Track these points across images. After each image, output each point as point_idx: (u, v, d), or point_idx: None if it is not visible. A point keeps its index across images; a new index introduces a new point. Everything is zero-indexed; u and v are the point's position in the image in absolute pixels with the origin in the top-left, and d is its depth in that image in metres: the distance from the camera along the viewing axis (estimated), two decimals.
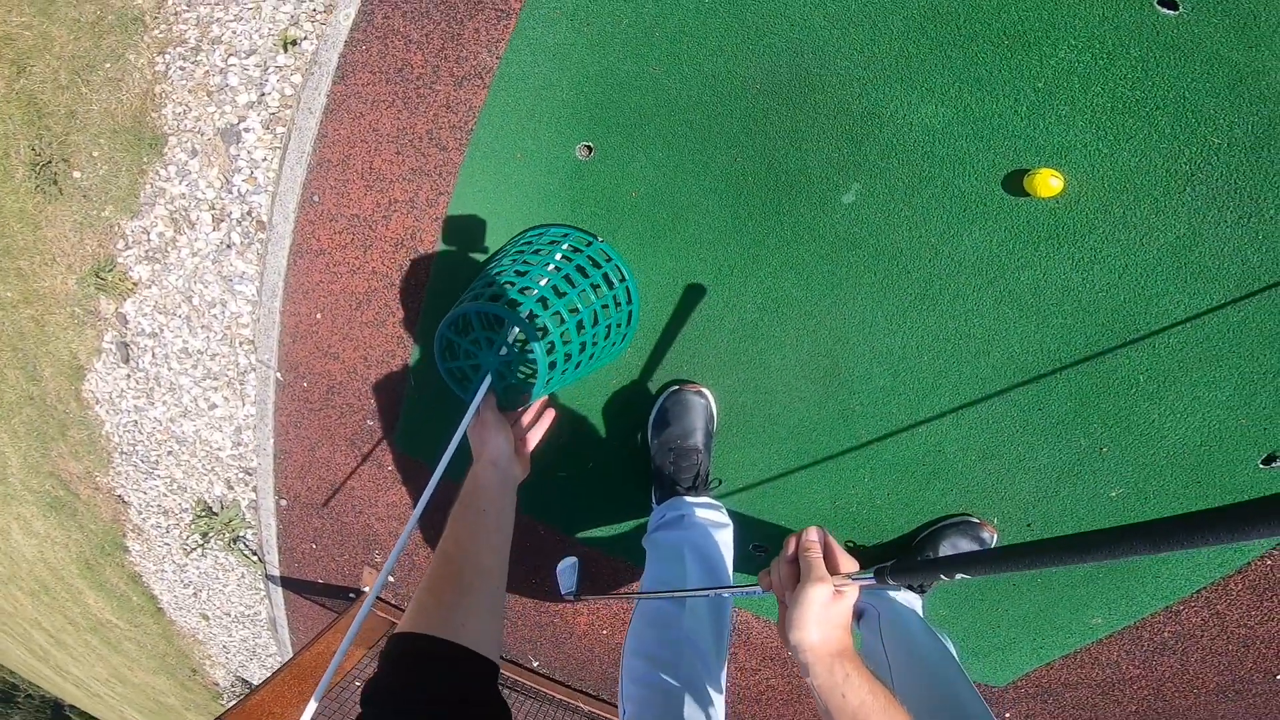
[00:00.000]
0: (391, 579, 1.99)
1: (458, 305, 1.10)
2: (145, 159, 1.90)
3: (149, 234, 1.94)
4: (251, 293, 1.84)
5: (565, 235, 1.34)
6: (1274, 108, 1.02)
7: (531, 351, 1.02)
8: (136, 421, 2.34)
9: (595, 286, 1.26)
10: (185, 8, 1.93)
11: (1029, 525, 1.38)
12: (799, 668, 0.73)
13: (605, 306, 1.26)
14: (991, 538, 1.39)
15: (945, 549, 1.38)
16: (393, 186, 1.48)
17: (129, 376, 2.23)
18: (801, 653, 0.72)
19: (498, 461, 0.92)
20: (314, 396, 1.79)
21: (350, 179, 1.52)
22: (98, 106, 1.99)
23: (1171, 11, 1.03)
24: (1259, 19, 0.99)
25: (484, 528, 0.82)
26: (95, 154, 2.01)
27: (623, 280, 1.33)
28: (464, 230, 1.45)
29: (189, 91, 1.86)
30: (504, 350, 1.04)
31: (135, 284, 2.02)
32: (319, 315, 1.66)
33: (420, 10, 1.53)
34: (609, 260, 1.32)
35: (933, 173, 1.19)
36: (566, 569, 1.54)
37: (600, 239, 1.36)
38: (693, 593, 1.08)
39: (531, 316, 1.10)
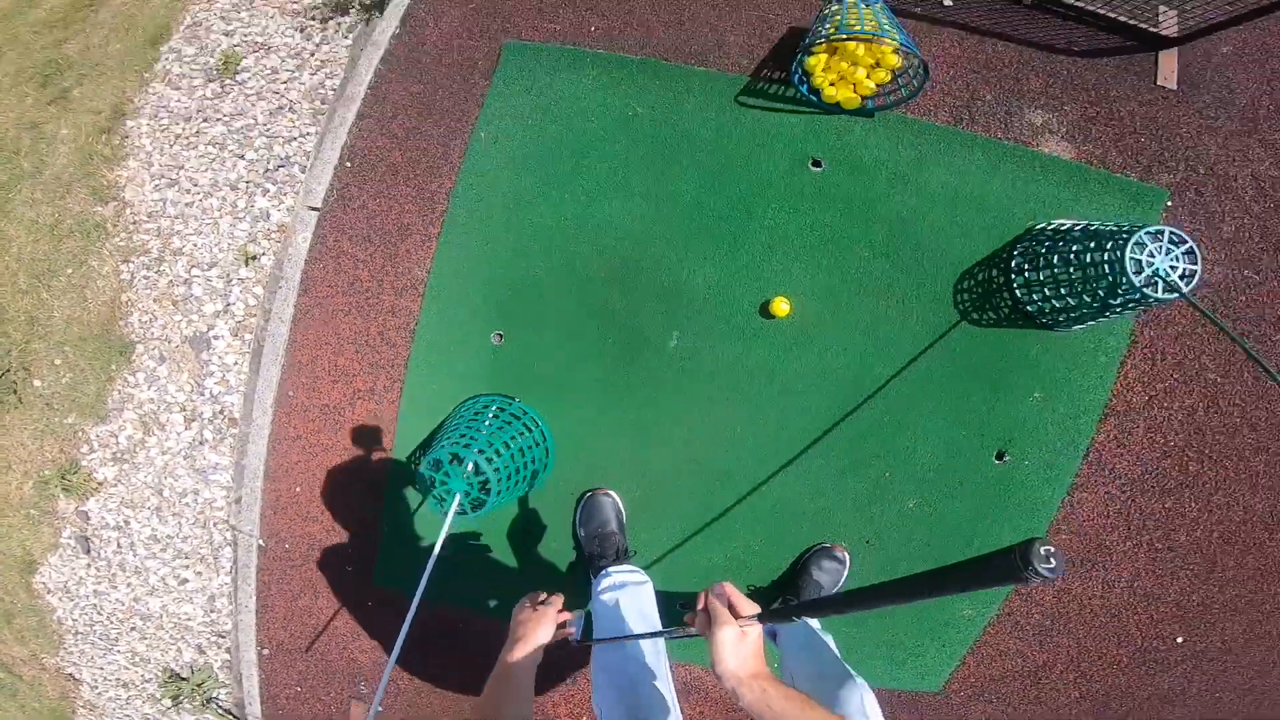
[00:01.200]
0: (380, 709, 2.20)
1: (430, 452, 1.56)
2: (114, 366, 2.09)
3: (117, 437, 2.10)
4: (226, 480, 2.06)
5: (493, 400, 1.84)
6: (891, 226, 1.80)
7: (486, 479, 1.48)
8: (96, 605, 2.36)
9: (520, 433, 1.75)
10: (145, 218, 2.22)
11: (866, 541, 1.92)
12: (730, 695, 0.89)
13: (531, 446, 1.74)
14: (843, 555, 1.89)
15: (814, 571, 1.86)
16: (355, 379, 1.90)
17: (89, 566, 2.27)
18: (727, 680, 0.88)
19: (535, 652, 1.14)
20: (295, 555, 2.07)
21: (319, 375, 1.92)
22: (60, 313, 2.14)
23: (818, 169, 1.75)
24: (870, 166, 1.79)
25: (517, 698, 1.07)
26: (58, 362, 2.14)
27: (538, 426, 1.84)
28: (416, 407, 1.89)
29: (154, 301, 2.12)
30: (466, 476, 1.50)
31: (100, 484, 2.14)
32: (298, 488, 1.99)
33: (363, 235, 2.03)
34: (525, 414, 1.83)
35: (718, 314, 1.86)
36: (579, 619, 1.89)
37: (517, 399, 1.87)
38: (641, 636, 1.38)
39: (481, 453, 1.57)
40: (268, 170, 2.23)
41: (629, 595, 1.61)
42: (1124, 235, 1.55)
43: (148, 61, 2.45)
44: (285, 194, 2.21)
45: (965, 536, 1.90)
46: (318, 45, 2.39)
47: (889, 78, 1.86)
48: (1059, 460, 1.86)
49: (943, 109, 1.94)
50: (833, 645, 1.56)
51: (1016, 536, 1.83)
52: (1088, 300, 1.64)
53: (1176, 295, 1.49)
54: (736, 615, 0.91)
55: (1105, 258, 1.56)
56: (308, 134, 2.25)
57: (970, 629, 1.95)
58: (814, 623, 1.62)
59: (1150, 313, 1.89)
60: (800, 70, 1.88)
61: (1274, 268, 1.94)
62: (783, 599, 1.88)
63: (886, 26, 1.78)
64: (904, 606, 0.87)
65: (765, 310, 1.82)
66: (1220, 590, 1.94)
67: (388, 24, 2.27)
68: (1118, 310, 1.65)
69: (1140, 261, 1.52)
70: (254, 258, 2.10)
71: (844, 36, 1.70)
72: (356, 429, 1.93)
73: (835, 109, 1.91)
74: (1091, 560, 1.95)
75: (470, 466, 1.52)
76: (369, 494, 1.96)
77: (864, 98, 1.88)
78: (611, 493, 1.87)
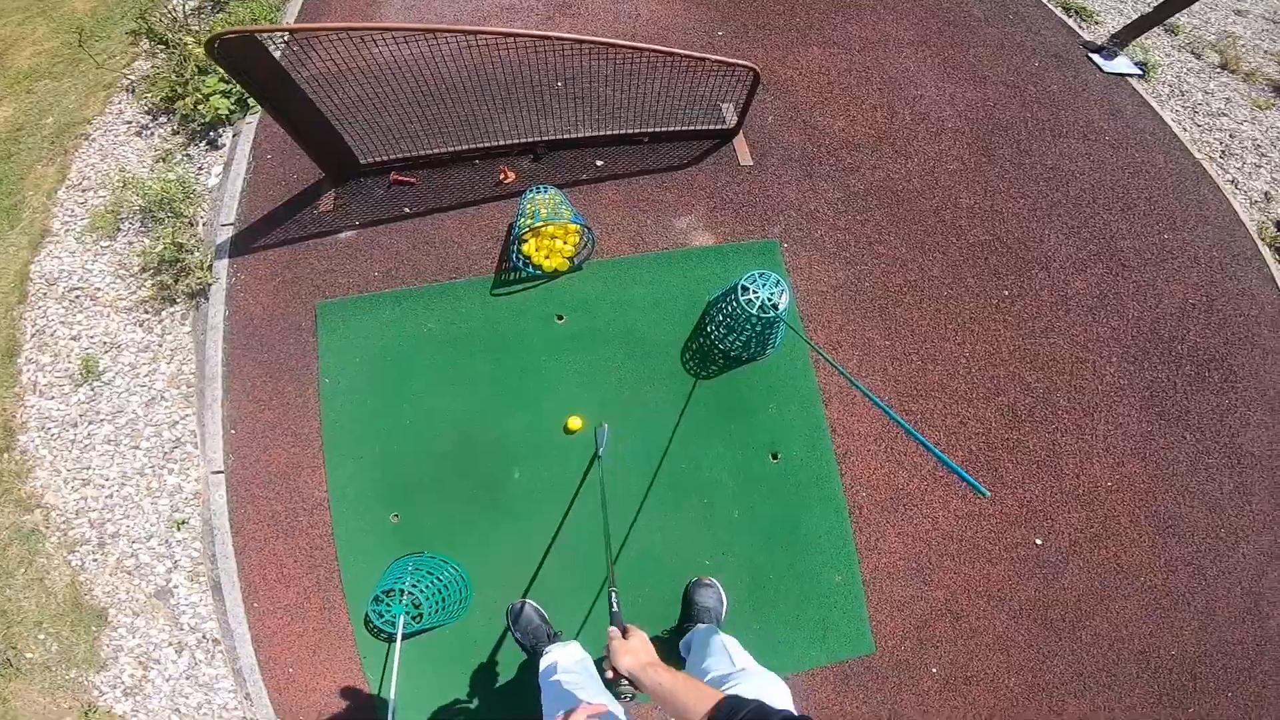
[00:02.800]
0: None
1: (370, 600, 2.17)
2: (94, 629, 2.28)
3: (121, 678, 2.26)
4: (230, 685, 2.29)
5: (408, 559, 2.37)
6: (625, 339, 2.55)
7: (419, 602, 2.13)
8: None
9: (429, 570, 2.27)
10: (74, 515, 2.42)
11: (724, 553, 2.44)
12: (638, 684, 1.13)
13: (448, 577, 2.28)
14: (711, 580, 2.36)
15: (699, 599, 2.28)
16: (302, 580, 2.34)
17: None
18: (630, 673, 1.14)
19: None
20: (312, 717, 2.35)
21: (273, 587, 2.35)
22: (29, 604, 2.30)
23: (562, 321, 2.55)
24: (594, 304, 2.55)
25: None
26: (42, 636, 2.26)
27: (448, 564, 2.36)
28: (357, 583, 2.33)
29: (110, 575, 2.35)
30: (403, 603, 2.12)
31: (121, 716, 2.26)
32: (291, 669, 2.31)
33: (265, 480, 2.46)
34: (435, 558, 2.36)
35: (537, 444, 2.51)
36: (602, 433, 2.38)
37: (425, 551, 2.40)
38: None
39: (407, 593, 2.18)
40: (166, 454, 2.52)
41: (565, 660, 1.96)
42: (737, 286, 2.40)
43: (12, 375, 2.64)
44: (189, 468, 2.50)
45: (788, 519, 2.51)
46: (161, 336, 2.69)
47: (579, 239, 2.70)
48: (816, 443, 2.60)
49: (624, 243, 2.79)
50: (728, 646, 1.79)
51: (823, 508, 2.54)
52: (755, 331, 2.49)
53: (776, 315, 2.36)
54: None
55: (738, 304, 2.40)
56: (186, 415, 2.56)
57: (852, 590, 2.46)
58: (726, 640, 1.86)
59: (814, 317, 2.79)
60: (521, 256, 2.67)
61: (869, 258, 2.91)
62: (681, 627, 2.33)
63: (560, 204, 2.61)
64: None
65: (567, 429, 2.53)
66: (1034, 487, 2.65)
67: (216, 308, 2.69)
68: (774, 331, 2.53)
69: (753, 299, 2.35)
70: (183, 522, 2.43)
71: (538, 223, 2.50)
72: (318, 615, 2.33)
73: (555, 274, 2.72)
74: (901, 504, 2.55)
75: (405, 596, 2.13)
76: (349, 656, 2.31)
77: (569, 259, 2.70)
78: (526, 600, 2.37)
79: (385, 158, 2.81)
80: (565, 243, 2.66)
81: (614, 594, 1.43)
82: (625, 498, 2.50)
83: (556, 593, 2.40)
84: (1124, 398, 2.88)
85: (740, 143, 2.97)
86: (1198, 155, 3.46)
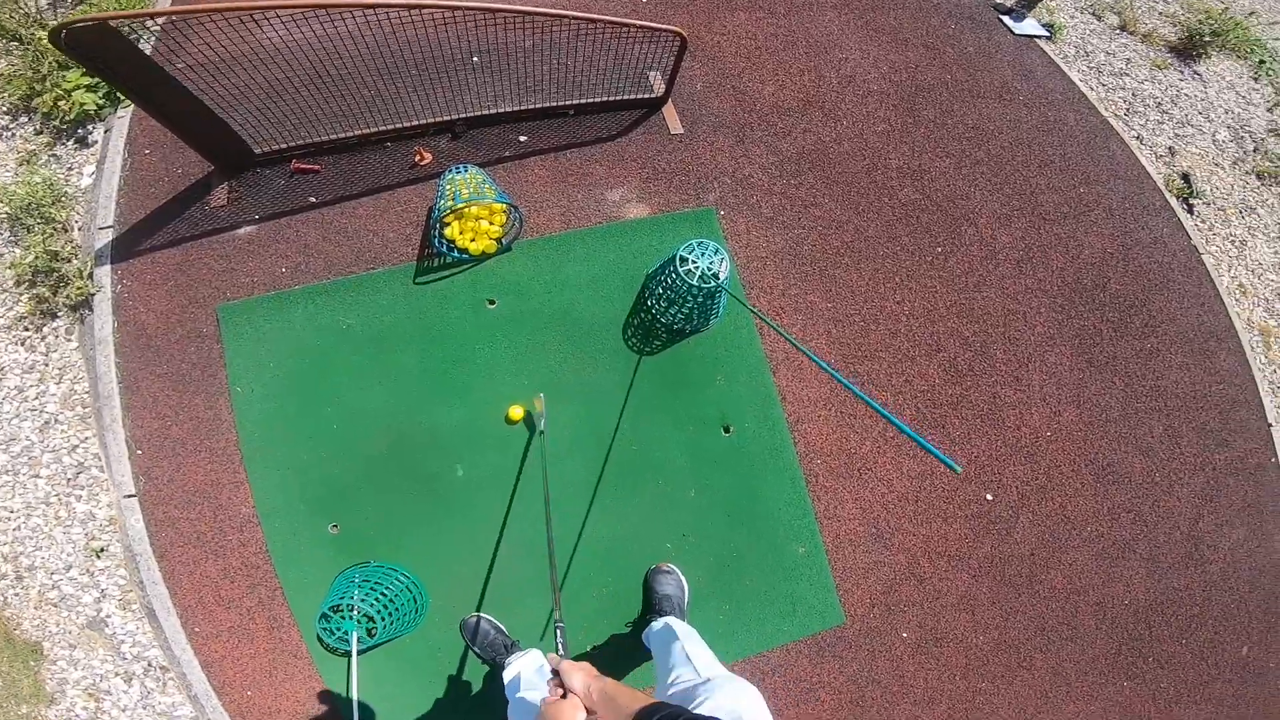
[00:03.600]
0: None
1: (317, 616, 2.03)
2: (33, 663, 2.14)
3: (74, 711, 2.13)
4: (189, 712, 2.16)
5: (354, 570, 2.22)
6: (561, 320, 2.46)
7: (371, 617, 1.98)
8: None
9: (378, 582, 2.13)
10: None
11: (684, 535, 2.37)
12: (585, 701, 1.14)
13: (398, 586, 2.14)
14: (670, 566, 2.29)
15: (660, 587, 2.21)
16: (242, 601, 2.18)
17: None
18: (575, 691, 1.16)
19: None
20: None
21: (212, 609, 2.17)
22: None
23: (493, 305, 2.40)
24: (527, 286, 2.42)
25: None
26: None
27: (396, 572, 2.21)
28: (303, 597, 2.18)
29: (36, 608, 2.18)
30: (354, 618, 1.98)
31: None
32: (249, 693, 2.16)
33: (184, 500, 2.27)
34: (382, 566, 2.21)
35: (478, 437, 2.37)
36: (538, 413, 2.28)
37: (371, 561, 2.24)
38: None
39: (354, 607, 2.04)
40: (70, 480, 2.33)
41: (527, 671, 1.93)
42: (675, 257, 2.31)
43: None
44: (98, 493, 2.31)
45: (745, 493, 2.45)
46: (47, 355, 2.45)
47: (505, 219, 2.53)
48: (767, 412, 2.54)
49: (554, 220, 2.65)
50: (690, 654, 1.73)
51: (779, 479, 2.48)
52: (696, 302, 2.40)
53: (718, 284, 2.27)
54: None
55: (677, 275, 2.30)
56: (87, 438, 2.35)
57: (816, 561, 2.42)
58: (689, 645, 1.84)
59: (755, 284, 2.73)
60: (444, 241, 2.49)
61: (806, 221, 2.87)
62: (644, 618, 2.26)
63: (483, 184, 2.44)
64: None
65: (508, 419, 2.37)
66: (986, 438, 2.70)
67: (103, 319, 2.43)
68: (716, 301, 2.44)
69: (693, 269, 2.27)
70: (102, 550, 2.25)
71: (460, 205, 2.32)
72: (266, 635, 2.17)
73: (483, 257, 2.55)
74: (855, 469, 2.54)
75: (354, 611, 2.00)
76: (309, 674, 2.17)
77: (497, 240, 2.54)
78: (479, 614, 2.24)
79: (283, 145, 2.56)
80: (491, 223, 2.49)
81: (560, 630, 1.37)
82: (575, 486, 2.39)
83: (514, 590, 2.29)
84: (1055, 346, 2.96)
85: (670, 111, 2.87)
86: (1104, 113, 3.59)
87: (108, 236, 2.53)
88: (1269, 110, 4.04)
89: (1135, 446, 2.90)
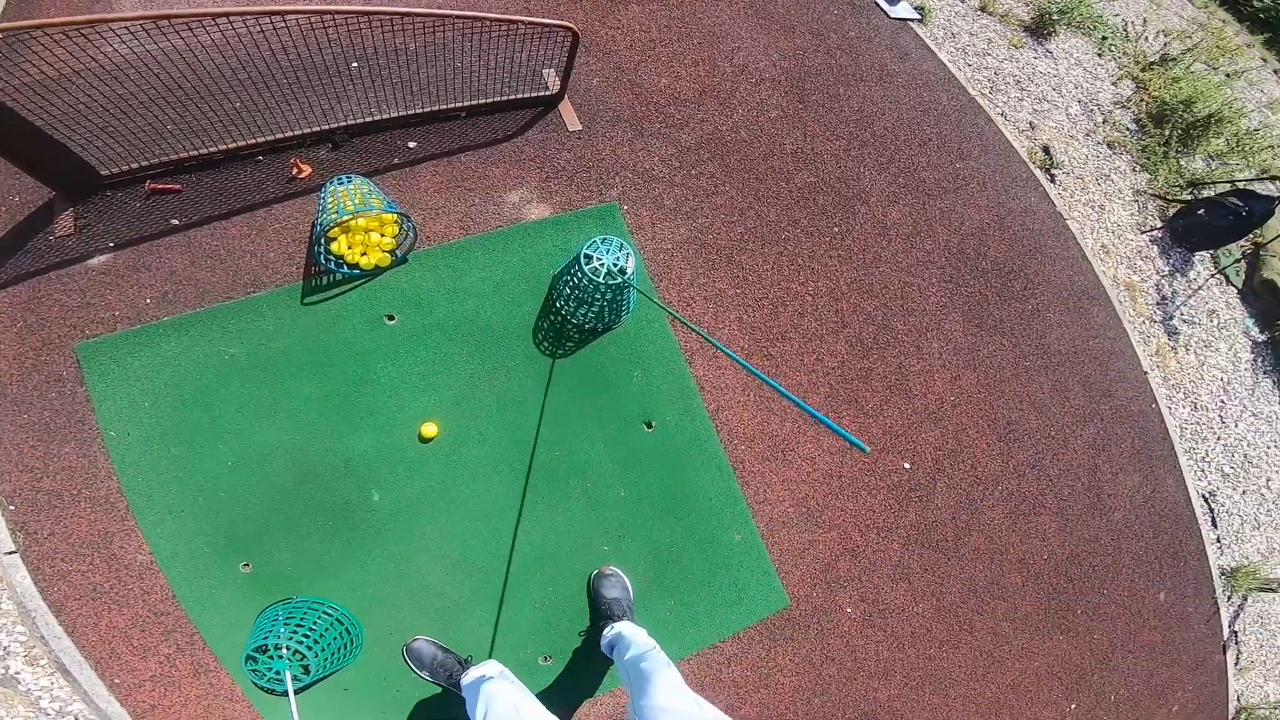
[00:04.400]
0: None
1: (242, 658, 1.90)
2: None
3: None
4: None
5: (275, 607, 2.06)
6: (467, 329, 2.39)
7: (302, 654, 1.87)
8: None
9: (304, 616, 1.99)
10: None
11: (619, 536, 2.33)
12: None
13: (327, 619, 2.01)
14: (612, 570, 2.26)
15: (606, 592, 2.19)
16: (159, 648, 2.01)
17: None
18: None
19: None
20: None
21: (128, 659, 1.99)
22: None
23: (393, 321, 2.29)
24: (428, 297, 2.34)
25: None
26: None
27: (322, 605, 2.06)
28: (225, 641, 2.03)
29: None
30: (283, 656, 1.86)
31: None
32: None
33: (72, 553, 2.07)
34: (306, 601, 2.07)
35: (393, 460, 2.25)
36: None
37: (294, 596, 2.09)
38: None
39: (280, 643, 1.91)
40: None
41: (492, 687, 1.82)
42: (578, 256, 2.27)
43: None
44: None
45: (675, 487, 2.44)
46: None
47: (397, 229, 2.40)
48: (687, 404, 2.54)
49: (452, 227, 2.53)
50: (674, 684, 1.65)
51: (707, 469, 2.49)
52: (605, 300, 2.36)
53: (625, 280, 2.25)
54: None
55: (582, 274, 2.25)
56: None
57: (753, 546, 2.45)
58: (630, 634, 1.91)
59: (663, 276, 2.74)
60: (331, 257, 2.33)
61: (709, 210, 2.91)
62: (597, 625, 2.22)
63: (369, 194, 2.30)
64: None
65: (422, 437, 2.26)
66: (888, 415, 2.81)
67: None
68: (623, 298, 2.42)
69: (599, 267, 2.23)
70: None
71: (344, 218, 2.17)
72: (192, 681, 2.03)
73: (376, 271, 2.41)
74: (779, 451, 2.58)
75: (284, 649, 1.89)
76: (248, 715, 2.04)
77: (390, 252, 2.40)
78: (419, 637, 2.15)
79: (135, 165, 2.31)
80: (383, 235, 2.36)
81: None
82: (502, 498, 2.32)
83: (453, 609, 2.21)
84: (948, 314, 3.15)
85: (566, 108, 2.82)
86: (972, 92, 3.84)
87: None
88: (1113, 84, 4.46)
89: (1030, 403, 3.14)
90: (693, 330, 2.16)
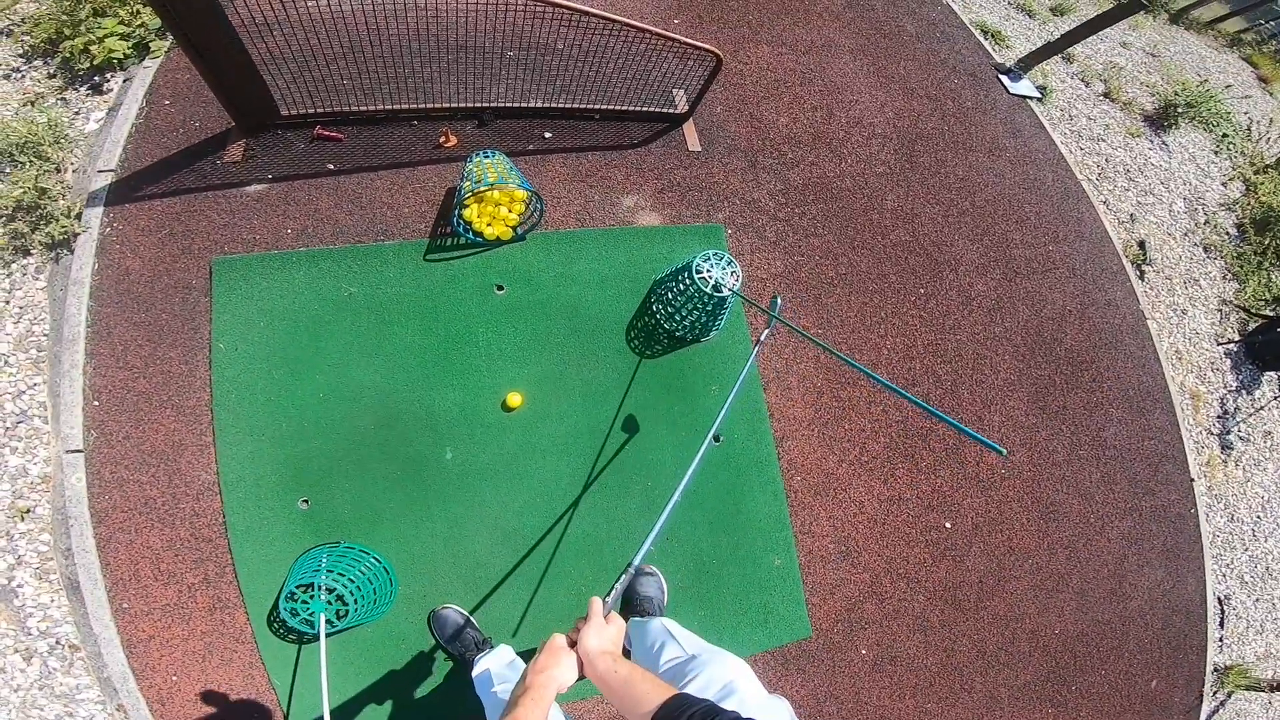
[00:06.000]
0: None
1: (281, 596, 1.96)
2: None
3: None
4: (97, 695, 1.99)
5: (321, 550, 2.14)
6: (567, 314, 2.51)
7: (342, 597, 1.95)
8: None
9: (354, 561, 2.09)
10: None
11: (666, 538, 2.42)
12: (591, 669, 1.04)
13: (370, 570, 2.10)
14: (653, 569, 2.33)
15: (641, 586, 2.26)
16: (185, 576, 2.05)
17: None
18: (588, 654, 1.06)
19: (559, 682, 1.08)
20: None
21: (146, 584, 2.03)
22: None
23: (501, 291, 2.45)
24: (536, 277, 2.48)
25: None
26: None
27: (369, 554, 2.17)
28: (255, 579, 2.08)
29: None
30: (324, 598, 1.94)
31: None
32: (175, 678, 2.03)
33: (138, 462, 2.13)
34: (354, 548, 2.16)
35: (472, 422, 2.38)
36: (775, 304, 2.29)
37: (342, 541, 2.18)
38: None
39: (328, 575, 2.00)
40: (7, 430, 2.15)
41: (498, 669, 1.86)
42: (691, 265, 2.40)
43: None
44: (35, 447, 2.14)
45: (729, 503, 2.53)
46: (9, 291, 2.30)
47: (524, 208, 2.58)
48: (755, 425, 2.65)
49: (569, 217, 2.71)
50: (674, 632, 1.76)
51: (762, 491, 2.58)
52: (703, 311, 2.48)
53: (732, 293, 2.38)
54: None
55: (689, 282, 2.40)
56: (35, 384, 2.20)
57: (791, 574, 2.51)
58: (669, 625, 1.87)
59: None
60: (462, 221, 2.52)
61: (806, 249, 3.02)
62: (630, 617, 2.19)
63: (509, 171, 2.48)
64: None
65: (505, 406, 2.42)
66: (943, 478, 2.90)
67: (83, 260, 2.31)
68: (721, 312, 2.55)
69: (707, 278, 2.36)
70: (28, 511, 2.08)
71: (484, 188, 2.35)
72: (206, 612, 2.05)
73: (497, 243, 2.59)
74: (832, 488, 2.67)
75: (324, 590, 1.92)
76: (249, 661, 2.07)
77: (513, 228, 2.59)
78: (451, 605, 2.16)
79: (310, 110, 2.54)
80: (510, 210, 2.54)
81: (628, 576, 1.27)
82: (566, 478, 2.44)
83: (490, 582, 2.29)
84: (1014, 392, 3.20)
85: (690, 128, 2.97)
86: (1079, 176, 3.89)
87: (106, 180, 2.45)
88: (1223, 184, 4.44)
89: (1075, 489, 3.17)
90: (808, 338, 2.25)
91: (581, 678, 1.12)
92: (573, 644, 1.14)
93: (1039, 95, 4.00)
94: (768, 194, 3.03)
